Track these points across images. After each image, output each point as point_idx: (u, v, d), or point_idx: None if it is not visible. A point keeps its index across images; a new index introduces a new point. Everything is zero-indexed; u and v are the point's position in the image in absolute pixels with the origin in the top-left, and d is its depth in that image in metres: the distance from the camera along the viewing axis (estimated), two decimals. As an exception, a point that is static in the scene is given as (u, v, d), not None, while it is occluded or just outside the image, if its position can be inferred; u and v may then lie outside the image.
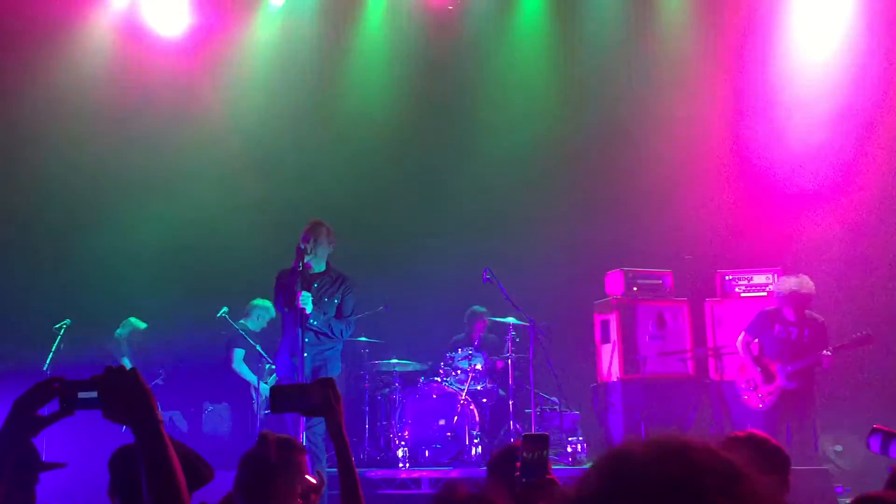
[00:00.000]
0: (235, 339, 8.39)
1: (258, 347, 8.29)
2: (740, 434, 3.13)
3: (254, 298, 8.63)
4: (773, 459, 2.83)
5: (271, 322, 8.55)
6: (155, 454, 1.90)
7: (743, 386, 7.50)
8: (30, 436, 2.04)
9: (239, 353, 8.47)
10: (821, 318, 7.35)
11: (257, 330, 8.61)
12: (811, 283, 7.34)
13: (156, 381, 8.12)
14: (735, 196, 9.49)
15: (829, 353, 6.98)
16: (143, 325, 8.75)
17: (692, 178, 9.48)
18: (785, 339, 7.26)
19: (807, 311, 7.31)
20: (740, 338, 7.58)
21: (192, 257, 9.51)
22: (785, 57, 9.49)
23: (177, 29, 9.93)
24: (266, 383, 8.28)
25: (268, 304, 8.47)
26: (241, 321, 8.53)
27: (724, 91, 9.68)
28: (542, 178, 9.95)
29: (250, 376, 8.35)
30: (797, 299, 7.20)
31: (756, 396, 7.37)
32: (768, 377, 7.28)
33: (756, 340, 7.47)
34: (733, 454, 1.07)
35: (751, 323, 7.56)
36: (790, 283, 7.32)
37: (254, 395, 8.18)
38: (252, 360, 8.21)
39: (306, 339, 6.29)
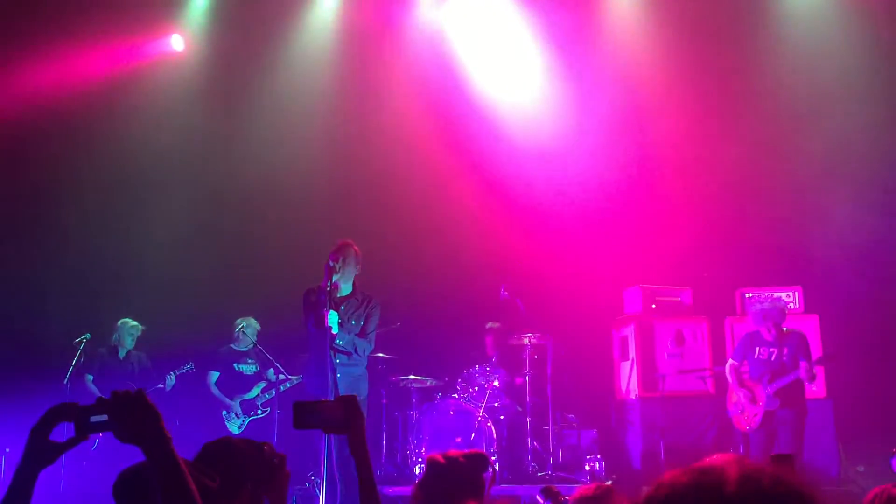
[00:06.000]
0: (207, 363, 8.46)
1: (241, 367, 8.44)
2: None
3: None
4: None
5: (261, 333, 8.50)
6: (167, 471, 1.93)
7: (731, 409, 7.59)
8: (48, 463, 2.04)
9: (213, 376, 8.49)
10: (799, 332, 7.49)
11: (248, 348, 8.52)
12: (782, 302, 7.76)
13: (186, 367, 8.20)
14: (754, 212, 9.43)
15: (806, 367, 7.10)
16: (132, 324, 8.49)
17: (712, 193, 9.42)
18: (765, 360, 7.38)
19: (785, 328, 7.43)
20: (728, 363, 7.69)
21: (199, 274, 9.47)
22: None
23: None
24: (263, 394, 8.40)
25: (247, 320, 8.48)
26: (228, 345, 8.56)
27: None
28: (560, 195, 9.90)
29: (222, 398, 8.37)
30: (768, 317, 7.33)
31: (744, 419, 7.44)
32: (753, 399, 7.35)
33: (743, 364, 7.56)
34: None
35: (736, 347, 7.75)
36: (761, 303, 7.61)
37: (225, 415, 8.30)
38: (230, 379, 8.35)
39: (337, 360, 6.37)
